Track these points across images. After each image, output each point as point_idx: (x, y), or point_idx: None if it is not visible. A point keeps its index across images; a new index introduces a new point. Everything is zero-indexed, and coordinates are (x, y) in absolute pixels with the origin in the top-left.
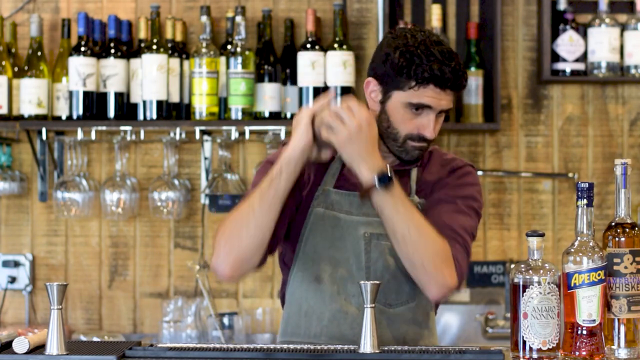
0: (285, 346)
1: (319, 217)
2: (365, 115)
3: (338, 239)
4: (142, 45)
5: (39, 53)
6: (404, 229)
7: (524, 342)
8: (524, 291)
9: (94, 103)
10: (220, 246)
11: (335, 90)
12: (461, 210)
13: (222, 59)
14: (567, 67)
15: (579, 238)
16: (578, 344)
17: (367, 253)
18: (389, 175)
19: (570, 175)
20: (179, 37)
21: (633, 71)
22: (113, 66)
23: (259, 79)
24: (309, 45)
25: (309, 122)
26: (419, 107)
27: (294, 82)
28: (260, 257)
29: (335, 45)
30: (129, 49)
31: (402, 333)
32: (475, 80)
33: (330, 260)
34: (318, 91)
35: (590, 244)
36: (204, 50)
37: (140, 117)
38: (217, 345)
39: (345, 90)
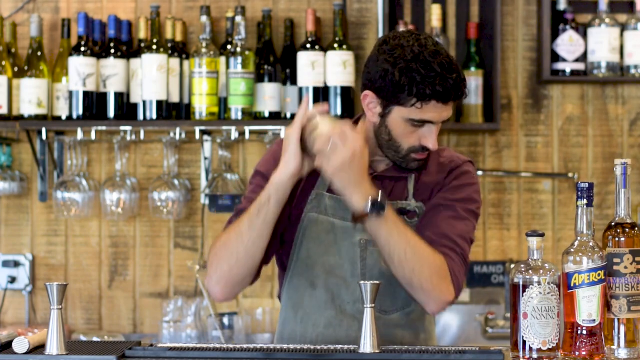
0: (285, 346)
1: (313, 222)
2: (359, 143)
3: (332, 245)
4: (142, 45)
5: (39, 53)
6: (401, 253)
7: (524, 342)
8: (524, 291)
9: (94, 103)
10: (212, 270)
11: (309, 97)
12: (460, 215)
13: (222, 59)
14: (567, 67)
15: (579, 238)
16: (578, 344)
17: (363, 260)
18: (382, 202)
19: (570, 175)
20: (179, 37)
21: (633, 71)
22: (113, 66)
23: (259, 79)
24: (309, 45)
25: (297, 145)
26: (421, 122)
27: (294, 82)
28: (253, 276)
29: (335, 45)
30: (129, 49)
31: (399, 338)
32: (475, 80)
33: (325, 267)
34: (318, 91)
35: (590, 244)
36: (204, 50)
37: (140, 117)
38: (217, 345)
39: (345, 91)
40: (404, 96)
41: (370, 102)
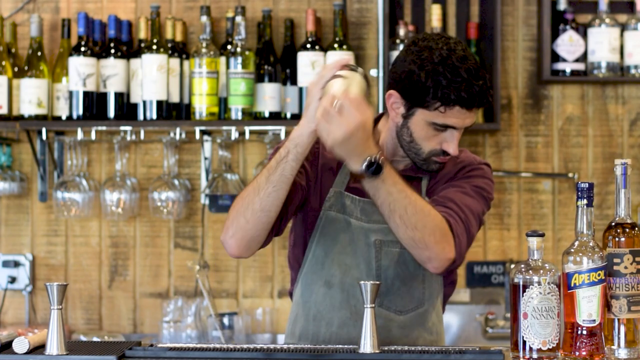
0: (285, 346)
1: (331, 220)
2: (359, 119)
3: (348, 244)
4: (142, 45)
5: (39, 53)
6: (401, 210)
7: (524, 342)
8: (524, 291)
9: (94, 103)
10: (228, 223)
11: (348, 62)
12: (467, 192)
13: (222, 59)
14: (567, 67)
15: (579, 238)
16: (578, 344)
17: (378, 260)
18: (379, 162)
19: (570, 175)
20: (179, 37)
21: (633, 71)
22: (113, 66)
23: (259, 79)
24: (309, 45)
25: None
26: (443, 127)
27: (294, 82)
28: (265, 237)
29: (335, 45)
30: (129, 49)
31: (413, 339)
32: None
33: (340, 265)
34: None
35: (590, 244)
36: (204, 50)
37: (140, 117)
38: (217, 345)
39: None
40: (429, 99)
41: (394, 102)
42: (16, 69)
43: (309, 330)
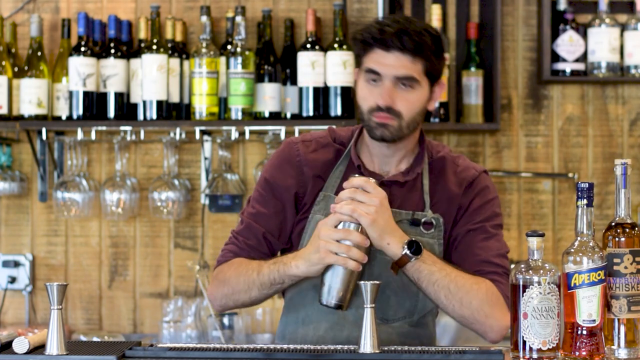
0: (285, 346)
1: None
2: (383, 192)
3: None
4: (142, 45)
5: (39, 53)
6: (446, 290)
7: (524, 342)
8: (524, 291)
9: (94, 103)
10: (220, 291)
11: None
12: (490, 234)
13: (222, 59)
14: (567, 67)
15: (579, 238)
16: (578, 344)
17: (370, 268)
18: (418, 242)
19: (570, 175)
20: (179, 37)
21: (633, 71)
22: (113, 66)
23: (259, 79)
24: (309, 45)
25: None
26: (371, 75)
27: (294, 82)
28: None
29: (335, 45)
30: (129, 49)
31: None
32: (475, 80)
33: None
34: (318, 91)
35: (590, 244)
36: (204, 50)
37: (140, 117)
38: (217, 345)
39: (345, 91)
40: (357, 50)
41: (355, 79)
42: (16, 69)
43: (298, 333)
